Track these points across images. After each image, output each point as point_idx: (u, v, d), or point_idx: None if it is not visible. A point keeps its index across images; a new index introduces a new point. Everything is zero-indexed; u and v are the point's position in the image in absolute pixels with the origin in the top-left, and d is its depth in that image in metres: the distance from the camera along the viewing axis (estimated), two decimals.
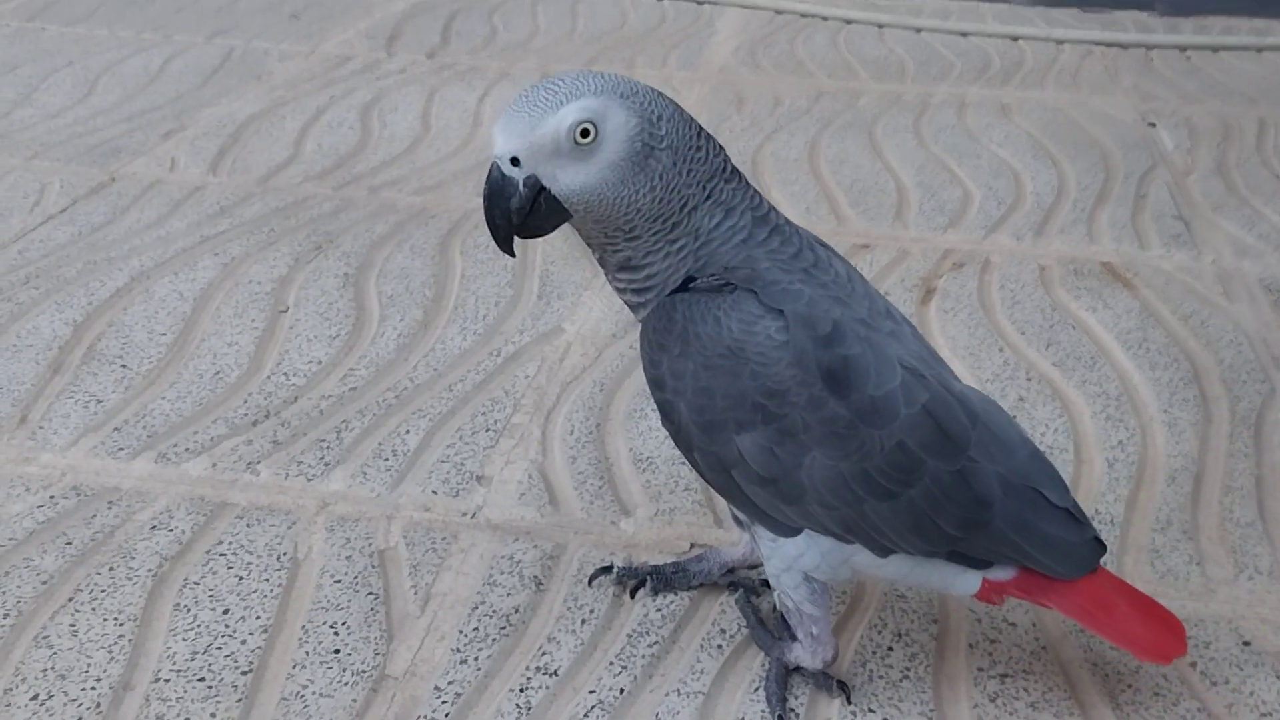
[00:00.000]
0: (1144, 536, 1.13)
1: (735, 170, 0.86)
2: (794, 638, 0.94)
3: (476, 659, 0.97)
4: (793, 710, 0.92)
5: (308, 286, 1.54)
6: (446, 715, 0.92)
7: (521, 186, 0.80)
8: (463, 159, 1.97)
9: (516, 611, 1.02)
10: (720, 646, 0.99)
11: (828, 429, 0.80)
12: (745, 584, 1.03)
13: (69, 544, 1.08)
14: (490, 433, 1.26)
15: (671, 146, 0.81)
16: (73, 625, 0.99)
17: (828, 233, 1.70)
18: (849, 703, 0.93)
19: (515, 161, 0.79)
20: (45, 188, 1.81)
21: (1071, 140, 2.10)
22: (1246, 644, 1.00)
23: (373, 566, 1.07)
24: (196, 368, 1.36)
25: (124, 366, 1.36)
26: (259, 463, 1.20)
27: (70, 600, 1.02)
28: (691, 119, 0.84)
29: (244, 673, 0.95)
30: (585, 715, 0.92)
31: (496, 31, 2.69)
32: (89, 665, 0.95)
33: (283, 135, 2.04)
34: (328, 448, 1.23)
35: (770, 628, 0.98)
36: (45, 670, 0.95)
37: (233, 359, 1.38)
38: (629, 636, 0.99)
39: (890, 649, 0.99)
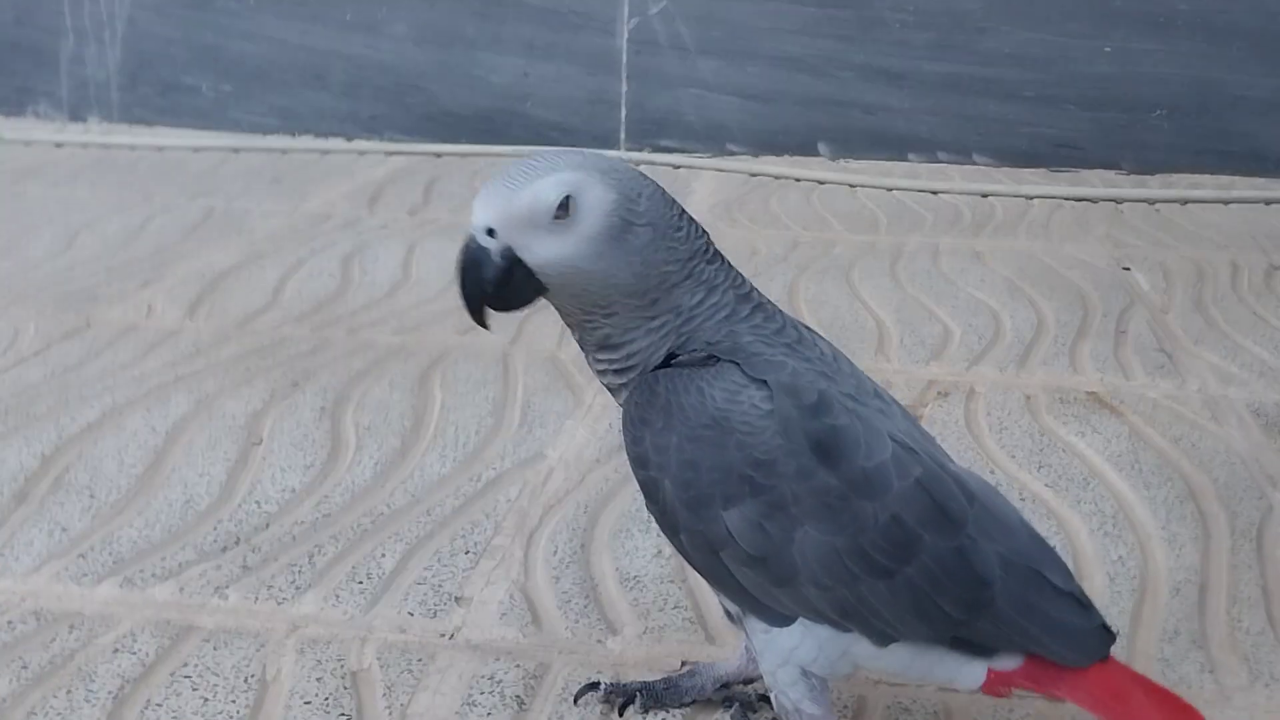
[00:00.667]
0: (1152, 647, 1.08)
1: (717, 252, 0.85)
2: None
3: None
4: None
5: (283, 419, 1.51)
6: None
7: (496, 257, 0.79)
8: (444, 302, 1.96)
9: None
10: None
11: (818, 501, 0.77)
12: (741, 699, 0.98)
13: (25, 668, 1.02)
14: (470, 554, 1.21)
15: (651, 224, 0.80)
16: None
17: None
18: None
19: (491, 233, 0.78)
20: (19, 332, 1.79)
21: (1047, 283, 2.12)
22: None
23: (345, 688, 1.01)
24: (166, 497, 1.32)
25: (92, 496, 1.32)
26: (228, 587, 1.15)
27: None
28: (673, 200, 0.83)
29: None
30: None
31: (478, 193, 2.72)
32: None
33: (262, 284, 2.04)
34: (299, 571, 1.18)
35: None
36: None
37: (203, 488, 1.34)
38: None
39: None
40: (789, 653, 0.82)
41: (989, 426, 1.53)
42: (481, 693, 1.00)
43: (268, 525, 1.27)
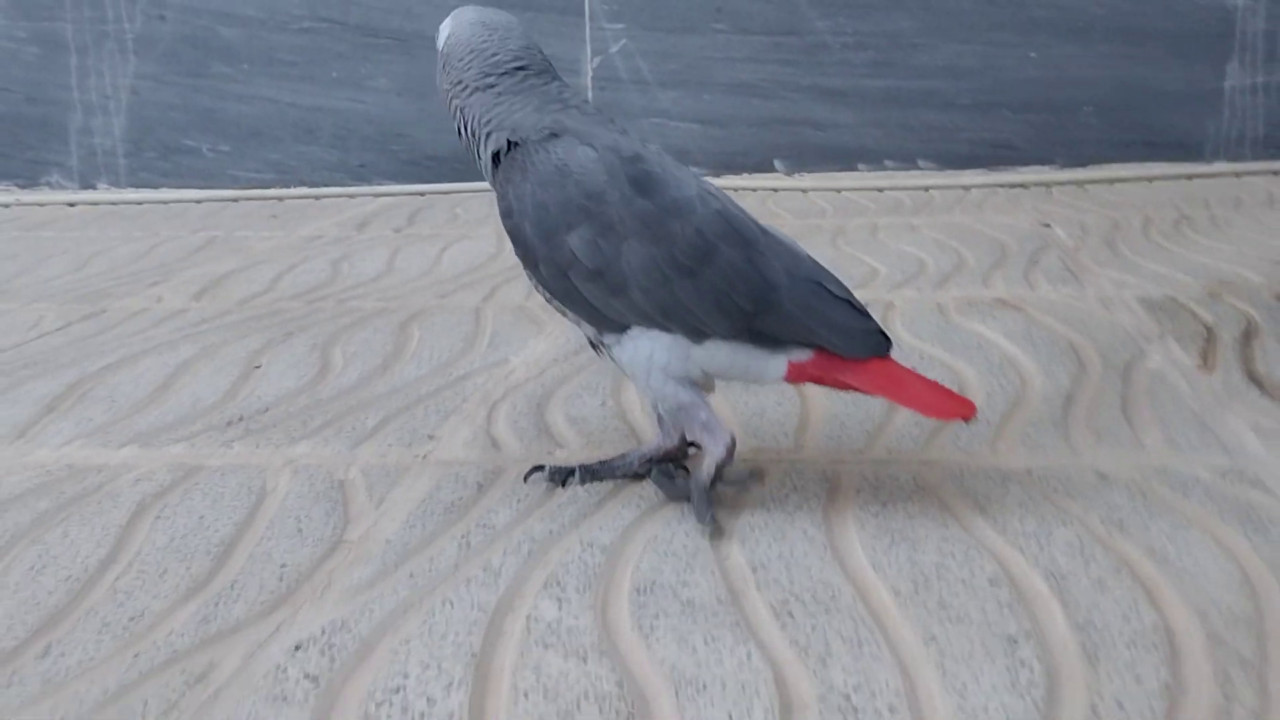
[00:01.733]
0: (1016, 430, 1.27)
1: (524, 80, 1.12)
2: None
3: (423, 526, 1.09)
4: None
5: (279, 354, 1.71)
6: (395, 554, 1.03)
7: None
8: (425, 281, 2.17)
9: (460, 500, 1.15)
10: (640, 505, 1.11)
11: (638, 220, 1.02)
12: (663, 469, 1.16)
13: (61, 494, 1.21)
14: (440, 414, 1.41)
15: (445, 59, 1.13)
16: (64, 533, 1.11)
17: None
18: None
19: None
20: (42, 318, 2.00)
21: (972, 240, 2.33)
22: (1103, 476, 1.13)
23: (333, 488, 1.20)
24: (178, 399, 1.52)
25: (112, 402, 1.51)
26: (232, 443, 1.34)
27: (61, 522, 1.14)
28: (484, 47, 1.12)
29: (215, 545, 1.07)
30: (517, 547, 1.04)
31: (458, 216, 2.95)
32: (76, 552, 1.07)
33: (260, 279, 2.25)
34: (294, 430, 1.37)
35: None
36: (38, 556, 1.06)
37: (210, 393, 1.54)
38: (559, 506, 1.12)
39: (787, 497, 1.12)
40: (649, 361, 1.05)
41: (901, 323, 1.72)
42: (448, 482, 1.19)
43: (266, 410, 1.46)
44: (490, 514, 1.11)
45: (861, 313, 1.05)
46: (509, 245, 2.47)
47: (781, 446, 1.25)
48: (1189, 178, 2.98)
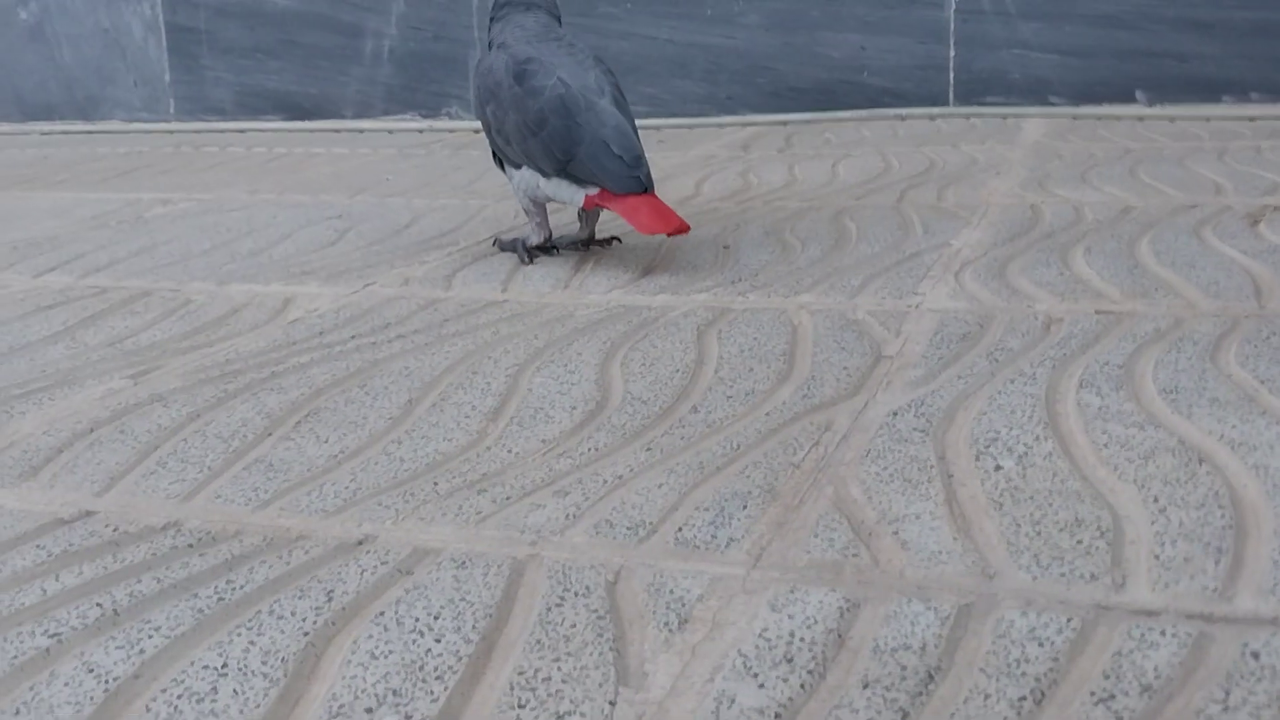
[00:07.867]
0: None
1: (511, 10, 1.89)
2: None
3: (947, 347, 1.32)
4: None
5: (739, 239, 1.98)
6: (935, 363, 1.27)
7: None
8: (831, 188, 2.40)
9: (969, 333, 1.37)
10: (1134, 339, 1.31)
11: (513, 99, 1.77)
12: (509, 240, 1.91)
13: (629, 321, 1.51)
14: (913, 278, 1.63)
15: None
16: (652, 344, 1.40)
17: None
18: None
19: None
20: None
21: None
22: None
23: (850, 325, 1.44)
24: (678, 265, 1.80)
25: (627, 267, 1.81)
26: (746, 293, 1.61)
27: (645, 338, 1.43)
28: None
29: (779, 354, 1.33)
30: (1042, 360, 1.25)
31: (830, 140, 3.18)
32: (672, 354, 1.36)
33: (683, 187, 2.54)
34: (792, 286, 1.63)
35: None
36: (644, 354, 1.35)
37: (701, 262, 1.82)
38: (1062, 338, 1.33)
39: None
40: (517, 183, 1.83)
41: None
42: (949, 322, 1.42)
43: (756, 273, 1.72)
44: (1002, 342, 1.33)
45: (630, 165, 1.67)
46: (895, 161, 2.68)
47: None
48: None
